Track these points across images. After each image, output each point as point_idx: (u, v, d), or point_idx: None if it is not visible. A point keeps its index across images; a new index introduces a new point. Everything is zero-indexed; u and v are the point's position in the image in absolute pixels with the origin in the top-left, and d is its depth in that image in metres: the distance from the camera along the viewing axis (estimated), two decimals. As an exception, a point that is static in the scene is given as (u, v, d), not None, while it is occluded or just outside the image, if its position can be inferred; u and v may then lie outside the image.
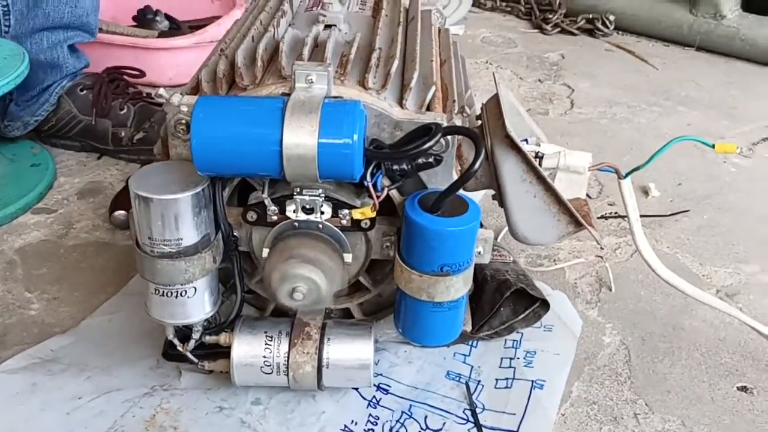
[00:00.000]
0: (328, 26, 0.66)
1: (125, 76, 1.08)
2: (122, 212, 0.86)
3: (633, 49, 1.59)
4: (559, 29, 1.68)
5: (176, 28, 1.40)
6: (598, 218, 0.94)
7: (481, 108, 0.65)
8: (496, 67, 1.49)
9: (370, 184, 0.53)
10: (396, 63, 0.58)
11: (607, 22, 1.64)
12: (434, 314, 0.57)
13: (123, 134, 1.00)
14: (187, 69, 1.15)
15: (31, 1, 0.96)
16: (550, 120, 1.26)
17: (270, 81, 0.57)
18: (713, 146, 0.59)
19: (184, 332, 0.61)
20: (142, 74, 1.11)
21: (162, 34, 1.36)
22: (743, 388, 0.68)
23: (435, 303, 0.56)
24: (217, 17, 1.41)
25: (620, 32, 1.68)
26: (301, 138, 0.49)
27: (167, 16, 1.41)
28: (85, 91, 1.02)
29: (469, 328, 0.72)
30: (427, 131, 0.53)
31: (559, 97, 1.36)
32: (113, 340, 0.69)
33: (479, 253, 0.60)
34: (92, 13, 1.04)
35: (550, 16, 1.68)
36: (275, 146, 0.49)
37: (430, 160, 0.54)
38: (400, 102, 0.57)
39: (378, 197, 0.54)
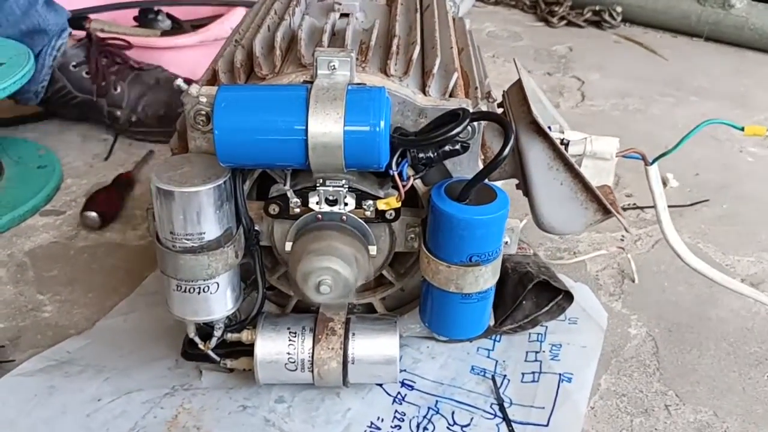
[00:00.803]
0: (344, 15, 0.65)
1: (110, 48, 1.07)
2: (93, 213, 0.84)
3: (641, 40, 1.58)
4: (565, 22, 1.67)
5: (178, 27, 1.38)
6: (617, 209, 0.92)
7: (503, 95, 0.64)
8: (504, 60, 1.48)
9: (396, 173, 0.52)
10: (417, 49, 0.57)
11: (614, 14, 1.63)
12: (463, 306, 0.56)
13: (119, 114, 0.99)
14: (192, 67, 1.13)
15: None
16: (561, 113, 1.23)
17: (289, 69, 0.55)
18: (742, 129, 0.57)
19: (205, 330, 0.59)
20: (130, 46, 1.10)
21: (164, 34, 1.35)
22: (775, 378, 0.67)
23: (464, 294, 0.55)
24: (220, 15, 1.39)
25: (627, 24, 1.67)
26: (326, 126, 0.47)
27: (169, 16, 1.39)
28: (78, 67, 1.01)
29: (492, 322, 0.70)
30: (454, 117, 0.51)
31: (570, 89, 1.35)
32: (130, 341, 0.67)
33: (506, 243, 0.58)
34: None
35: (556, 8, 1.67)
36: (300, 135, 0.48)
37: (457, 147, 0.53)
38: (423, 89, 0.56)
39: (404, 186, 0.53)
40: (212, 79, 0.58)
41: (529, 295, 0.71)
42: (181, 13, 1.41)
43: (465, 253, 0.53)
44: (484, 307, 0.57)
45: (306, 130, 0.48)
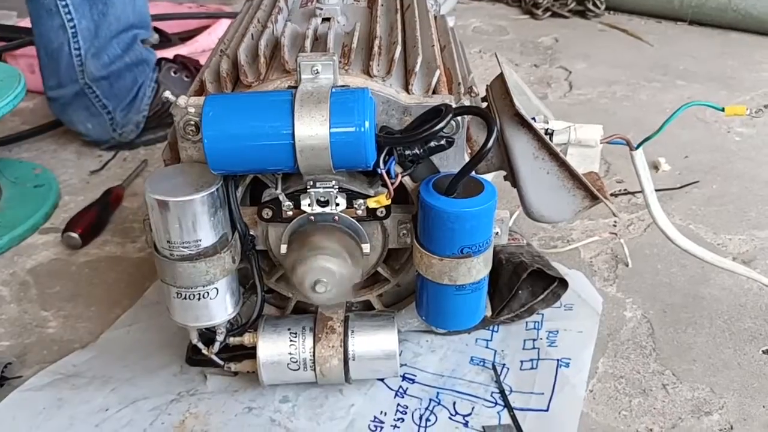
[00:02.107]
0: (326, 19, 0.66)
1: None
2: (73, 234, 0.86)
3: (626, 27, 1.59)
4: (549, 13, 1.68)
5: (167, 40, 1.40)
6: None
7: (487, 89, 0.65)
8: (490, 56, 1.49)
9: (384, 171, 0.53)
10: (398, 49, 0.58)
11: (598, 3, 1.65)
12: (457, 298, 0.57)
13: None
14: (183, 79, 1.15)
15: (96, 16, 1.00)
16: (549, 103, 1.26)
17: (274, 76, 0.57)
18: (723, 110, 0.58)
19: (207, 336, 0.61)
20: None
21: (153, 48, 1.36)
22: (769, 352, 0.68)
23: (458, 286, 0.56)
24: (207, 27, 1.41)
25: (611, 12, 1.69)
26: (312, 129, 0.49)
27: (156, 29, 1.40)
28: (178, 73, 1.08)
29: (489, 313, 0.71)
30: (437, 113, 0.52)
31: (557, 80, 1.36)
32: (134, 351, 0.69)
33: (497, 233, 0.60)
34: (146, 8, 1.09)
35: (540, 0, 1.68)
36: (287, 139, 0.49)
37: (442, 142, 0.54)
38: (406, 87, 0.57)
39: (392, 184, 0.54)
40: (200, 89, 0.59)
41: (525, 284, 0.72)
42: (169, 26, 1.43)
43: (456, 245, 0.54)
44: (478, 298, 0.58)
45: (293, 134, 0.49)
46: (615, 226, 0.88)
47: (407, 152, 0.53)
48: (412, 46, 0.63)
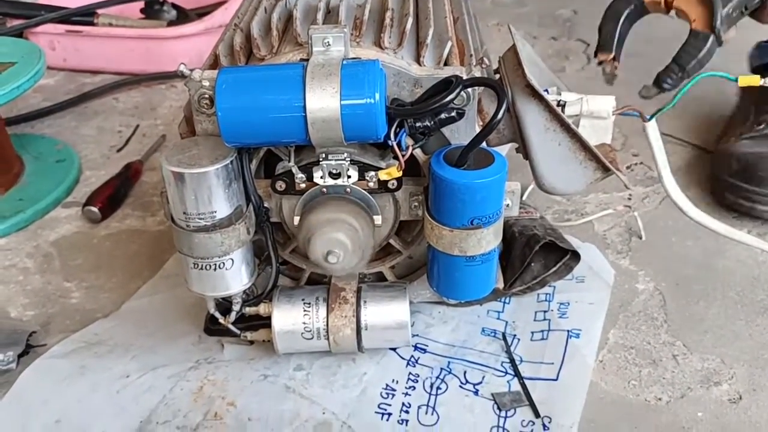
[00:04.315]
0: (339, -7, 0.66)
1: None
2: (93, 208, 0.87)
3: (646, -2, 1.56)
4: (569, -16, 1.65)
5: (184, 16, 1.40)
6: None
7: (499, 61, 0.65)
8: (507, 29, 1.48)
9: (395, 143, 0.54)
10: (410, 21, 0.58)
11: (618, -26, 1.61)
12: (468, 268, 0.57)
13: None
14: (200, 55, 1.15)
15: None
16: (567, 76, 1.24)
17: (287, 49, 0.57)
18: (736, 80, 0.58)
19: (224, 306, 0.62)
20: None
21: (171, 24, 1.37)
22: (782, 323, 0.68)
23: (468, 257, 0.56)
24: (223, 2, 1.41)
25: (632, -18, 1.65)
26: (323, 101, 0.49)
27: (174, 6, 1.42)
28: None
29: (501, 285, 0.72)
30: (447, 85, 0.53)
31: (576, 53, 1.34)
32: (154, 321, 0.71)
33: (507, 205, 0.60)
34: None
35: (559, -28, 1.65)
36: (299, 111, 0.50)
37: (453, 114, 0.54)
38: (418, 59, 0.57)
39: (403, 156, 0.54)
40: (214, 63, 0.60)
41: (537, 256, 0.73)
42: (186, 2, 1.44)
43: (466, 216, 0.55)
44: (488, 269, 0.59)
45: (304, 107, 0.50)
46: (630, 199, 0.88)
47: (418, 124, 0.54)
48: (424, 18, 0.63)
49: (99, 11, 1.34)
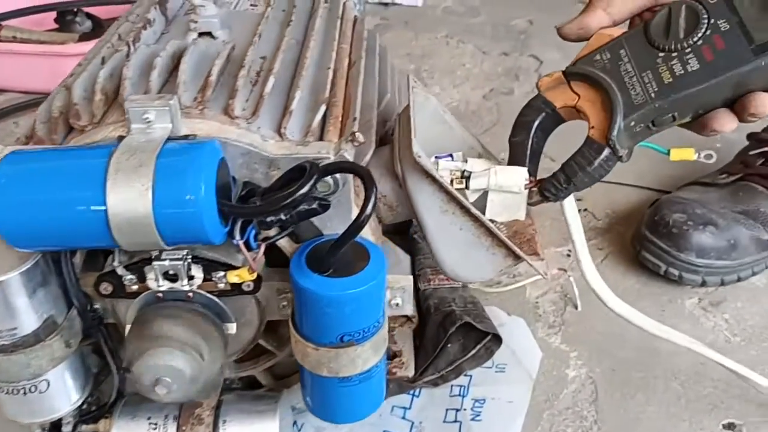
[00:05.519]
0: (204, 34, 0.54)
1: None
2: None
3: (606, 9, 1.46)
4: (525, -8, 1.54)
5: (100, 27, 1.27)
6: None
7: (396, 120, 0.54)
8: (458, 41, 1.37)
9: (241, 243, 0.42)
10: (271, 80, 0.47)
11: (577, -19, 1.50)
12: (344, 390, 0.47)
13: None
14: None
15: None
16: (515, 100, 1.14)
17: (112, 118, 0.45)
18: (668, 152, 0.48)
19: (56, 424, 0.51)
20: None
21: (83, 36, 1.24)
22: (730, 426, 0.58)
23: (341, 378, 0.46)
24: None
25: (592, -9, 1.54)
26: (129, 202, 0.38)
27: (89, 16, 1.28)
28: None
29: (410, 373, 0.61)
30: (301, 173, 0.41)
31: (526, 71, 1.24)
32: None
33: (397, 304, 0.49)
34: None
35: (514, -22, 1.54)
36: (99, 213, 0.38)
37: (314, 206, 0.43)
38: (279, 130, 0.46)
39: (254, 257, 0.43)
40: (31, 133, 0.48)
41: (455, 336, 0.63)
42: (102, 11, 1.30)
43: (334, 333, 0.44)
44: (370, 387, 0.48)
45: (105, 208, 0.38)
46: (569, 256, 0.77)
47: (270, 219, 0.42)
48: (301, 70, 0.51)
49: (3, 23, 1.21)
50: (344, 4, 0.67)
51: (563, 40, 0.53)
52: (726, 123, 0.43)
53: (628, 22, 0.51)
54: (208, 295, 0.46)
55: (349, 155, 0.44)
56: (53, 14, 1.29)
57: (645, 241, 0.70)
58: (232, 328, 0.47)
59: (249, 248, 0.43)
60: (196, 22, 0.54)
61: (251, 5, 0.62)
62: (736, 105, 0.43)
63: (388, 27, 1.41)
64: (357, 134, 0.44)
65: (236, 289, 0.46)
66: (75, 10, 1.28)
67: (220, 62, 0.48)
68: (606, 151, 0.45)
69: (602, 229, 0.81)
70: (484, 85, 1.19)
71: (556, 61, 1.25)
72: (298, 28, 0.58)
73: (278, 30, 0.56)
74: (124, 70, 0.47)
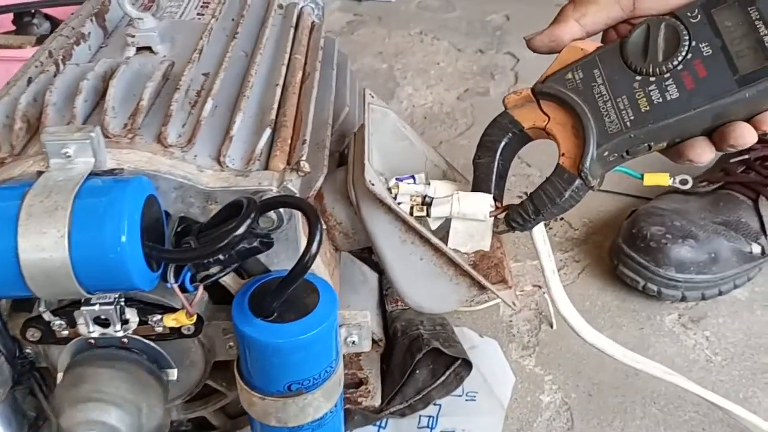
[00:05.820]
0: (143, 49, 0.50)
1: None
2: None
3: (584, 3, 1.42)
4: (501, -14, 1.50)
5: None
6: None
7: (350, 140, 0.50)
8: (432, 38, 1.33)
9: (175, 286, 0.38)
10: (209, 104, 0.43)
11: (554, -25, 1.47)
12: (294, 438, 0.43)
13: None
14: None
15: None
16: (490, 101, 1.10)
17: (33, 150, 0.41)
18: (641, 177, 0.44)
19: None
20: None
21: (41, 39, 1.18)
22: (712, 454, 0.56)
23: (291, 428, 0.42)
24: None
25: (570, -16, 1.51)
26: (43, 249, 0.34)
27: (47, 17, 1.23)
28: None
29: (377, 402, 0.58)
30: (238, 209, 0.37)
31: (502, 70, 1.20)
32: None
33: (353, 342, 0.46)
34: None
35: (490, -28, 1.50)
36: (10, 262, 0.34)
37: (255, 244, 0.39)
38: (219, 158, 0.42)
39: (191, 300, 0.39)
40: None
41: (423, 362, 0.59)
42: (61, 12, 1.25)
43: (281, 381, 0.40)
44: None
45: (17, 255, 0.34)
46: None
47: (206, 260, 0.39)
48: (245, 90, 0.47)
49: (-44, 26, 1.15)
50: (301, 9, 0.63)
51: (533, 52, 0.49)
52: (703, 153, 0.40)
53: (600, 34, 0.47)
54: (145, 340, 0.42)
55: (294, 186, 0.40)
56: (10, 16, 1.23)
57: (622, 255, 0.67)
58: (172, 374, 0.44)
59: (185, 291, 0.39)
60: (133, 36, 0.50)
61: (198, 14, 0.57)
62: (715, 134, 0.40)
63: (362, 23, 1.37)
64: (302, 163, 0.40)
65: (175, 332, 0.42)
66: (33, 11, 1.22)
67: (152, 84, 0.44)
68: (577, 182, 0.42)
69: (579, 240, 0.78)
70: (459, 85, 1.15)
71: (533, 59, 1.20)
72: (247, 39, 0.54)
73: (224, 41, 0.52)
74: (47, 95, 0.42)
